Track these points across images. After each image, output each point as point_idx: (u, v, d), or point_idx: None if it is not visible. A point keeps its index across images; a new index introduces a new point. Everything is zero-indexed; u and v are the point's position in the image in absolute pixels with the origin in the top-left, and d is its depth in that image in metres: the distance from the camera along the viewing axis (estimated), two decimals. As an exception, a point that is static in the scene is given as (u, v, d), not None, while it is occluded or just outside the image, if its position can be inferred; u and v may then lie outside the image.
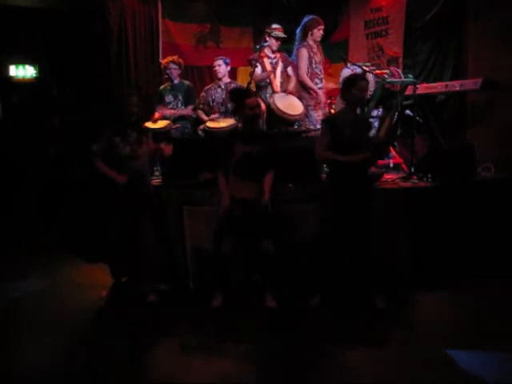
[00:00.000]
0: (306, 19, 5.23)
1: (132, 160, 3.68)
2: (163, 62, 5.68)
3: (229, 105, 5.41)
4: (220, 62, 5.46)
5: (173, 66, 5.49)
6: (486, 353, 2.93)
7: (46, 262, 4.82)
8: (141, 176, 3.76)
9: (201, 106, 5.52)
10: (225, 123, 5.13)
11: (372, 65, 5.46)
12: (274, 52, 5.34)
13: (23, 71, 6.65)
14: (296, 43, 5.29)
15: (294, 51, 5.31)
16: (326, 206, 3.59)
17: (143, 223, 3.76)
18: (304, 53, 5.17)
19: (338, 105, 5.10)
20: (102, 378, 2.78)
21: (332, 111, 5.30)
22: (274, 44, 5.28)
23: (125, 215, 3.73)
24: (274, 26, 5.29)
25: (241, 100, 3.66)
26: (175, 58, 5.59)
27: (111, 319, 3.56)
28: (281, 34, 5.26)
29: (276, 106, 4.92)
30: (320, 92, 5.23)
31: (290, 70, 5.42)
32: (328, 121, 3.68)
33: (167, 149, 3.79)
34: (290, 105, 5.02)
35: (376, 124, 5.24)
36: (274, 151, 3.71)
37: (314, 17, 5.23)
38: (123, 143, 3.67)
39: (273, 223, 3.62)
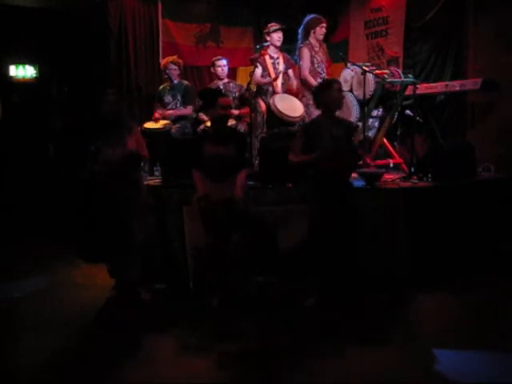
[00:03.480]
0: (307, 18, 5.23)
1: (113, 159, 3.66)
2: (162, 62, 5.69)
3: None
4: (224, 62, 5.50)
5: (172, 66, 5.49)
6: (482, 353, 2.93)
7: (45, 262, 4.81)
8: (122, 173, 3.69)
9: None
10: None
11: (372, 65, 5.46)
12: (276, 51, 5.33)
13: (23, 71, 6.64)
14: (298, 42, 5.29)
15: (296, 50, 5.31)
16: (310, 209, 3.61)
17: (131, 221, 3.74)
18: (306, 52, 5.16)
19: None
20: (102, 378, 2.77)
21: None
22: (276, 40, 5.23)
23: (110, 214, 3.72)
24: (270, 24, 5.30)
25: (213, 99, 3.63)
26: (175, 58, 5.60)
27: (111, 319, 3.56)
28: (277, 26, 5.21)
29: (276, 107, 4.91)
30: None
31: (290, 72, 5.41)
32: (303, 126, 3.89)
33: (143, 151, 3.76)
34: (291, 106, 5.00)
35: (376, 124, 5.24)
36: (244, 150, 3.72)
37: (316, 15, 5.23)
38: (105, 146, 3.67)
39: (249, 221, 3.62)
